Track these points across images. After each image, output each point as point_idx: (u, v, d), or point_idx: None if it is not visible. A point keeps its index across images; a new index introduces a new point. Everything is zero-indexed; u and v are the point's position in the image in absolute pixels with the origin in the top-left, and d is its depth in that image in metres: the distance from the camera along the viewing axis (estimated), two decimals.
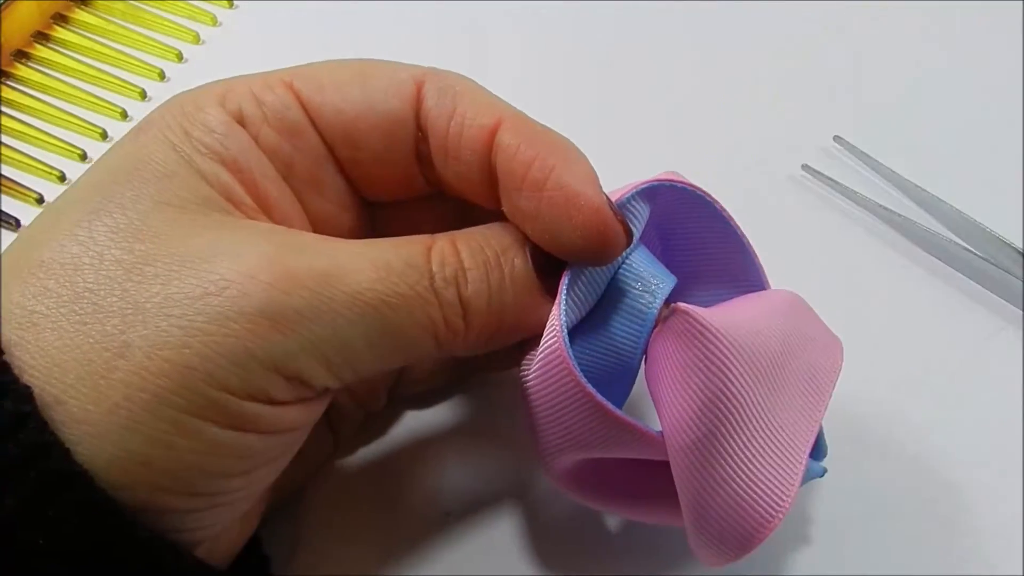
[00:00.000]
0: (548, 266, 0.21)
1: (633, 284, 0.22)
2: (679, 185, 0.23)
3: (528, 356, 0.22)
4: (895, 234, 0.33)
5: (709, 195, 0.23)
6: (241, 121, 0.21)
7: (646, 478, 0.23)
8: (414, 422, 0.28)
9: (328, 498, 0.26)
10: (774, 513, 0.20)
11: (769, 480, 0.20)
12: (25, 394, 0.17)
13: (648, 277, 0.22)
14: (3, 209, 0.32)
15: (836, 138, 0.35)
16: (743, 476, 0.20)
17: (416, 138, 0.22)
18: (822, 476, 0.23)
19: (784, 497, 0.20)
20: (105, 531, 0.17)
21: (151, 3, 0.39)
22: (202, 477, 0.19)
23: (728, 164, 0.34)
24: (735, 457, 0.20)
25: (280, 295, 0.18)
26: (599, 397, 0.20)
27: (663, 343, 0.21)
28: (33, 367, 0.18)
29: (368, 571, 0.25)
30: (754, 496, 0.20)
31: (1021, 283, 0.30)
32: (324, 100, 0.22)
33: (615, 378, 0.22)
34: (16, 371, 0.18)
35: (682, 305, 0.20)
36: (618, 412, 0.20)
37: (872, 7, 0.40)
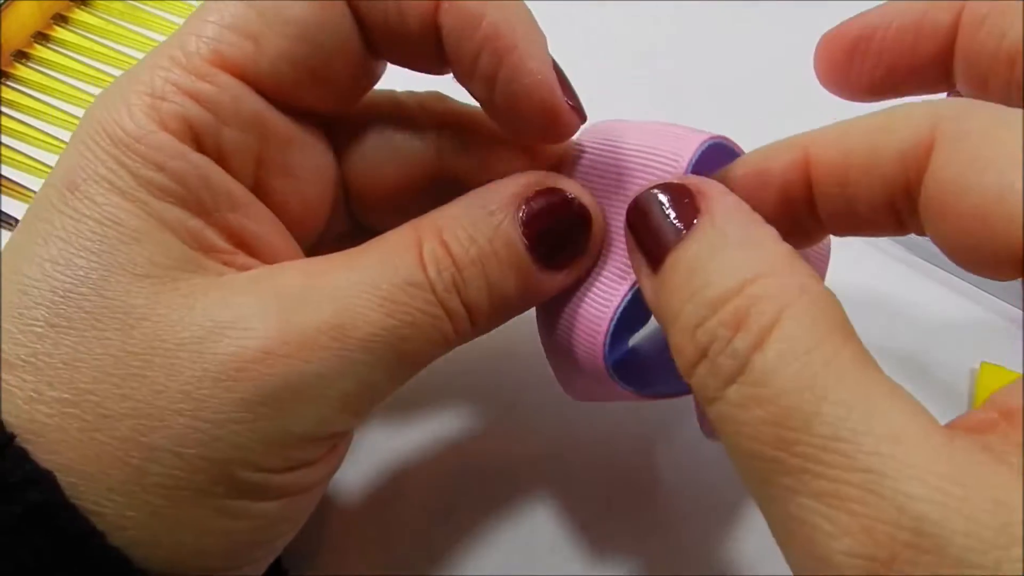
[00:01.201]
0: (535, 231, 0.20)
1: None
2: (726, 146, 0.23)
3: (562, 316, 0.22)
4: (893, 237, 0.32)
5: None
6: (193, 136, 0.19)
7: None
8: (418, 421, 0.28)
9: (328, 497, 0.26)
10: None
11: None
12: (49, 481, 0.16)
13: None
14: (3, 209, 0.32)
15: None
16: None
17: (359, 34, 0.20)
18: None
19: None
20: None
21: (151, 3, 0.39)
22: (258, 548, 0.18)
23: None
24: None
25: (301, 364, 0.17)
26: (625, 388, 0.21)
27: None
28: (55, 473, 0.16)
29: (371, 570, 0.25)
30: None
31: (1020, 284, 0.30)
32: (258, 54, 0.19)
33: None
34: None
35: None
36: (639, 395, 0.21)
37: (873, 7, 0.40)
